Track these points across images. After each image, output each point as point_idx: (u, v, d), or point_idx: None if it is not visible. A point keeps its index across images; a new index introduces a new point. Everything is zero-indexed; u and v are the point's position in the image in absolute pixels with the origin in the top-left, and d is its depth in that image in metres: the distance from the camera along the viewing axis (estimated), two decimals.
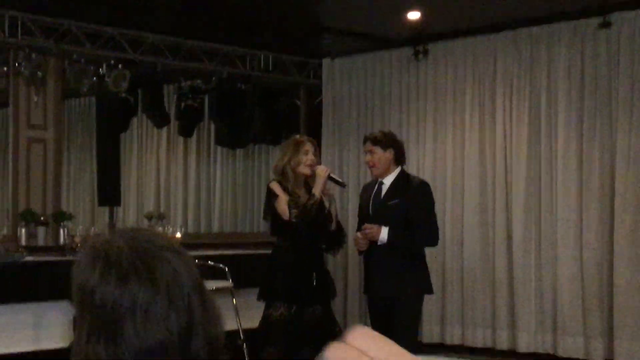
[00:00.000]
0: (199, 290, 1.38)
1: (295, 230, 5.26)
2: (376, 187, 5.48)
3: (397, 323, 5.22)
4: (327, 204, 5.40)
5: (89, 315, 1.33)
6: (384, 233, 5.27)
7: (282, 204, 5.27)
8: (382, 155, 5.38)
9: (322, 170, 5.36)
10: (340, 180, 5.70)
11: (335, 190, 8.56)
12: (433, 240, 5.49)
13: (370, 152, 5.43)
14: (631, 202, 7.75)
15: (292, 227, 5.25)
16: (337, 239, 5.54)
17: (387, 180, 5.43)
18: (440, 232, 5.76)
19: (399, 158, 5.48)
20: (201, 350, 1.33)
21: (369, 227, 5.32)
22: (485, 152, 8.79)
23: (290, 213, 5.24)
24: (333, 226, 5.45)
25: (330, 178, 5.41)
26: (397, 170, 5.46)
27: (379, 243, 5.28)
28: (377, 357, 0.57)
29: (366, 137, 5.61)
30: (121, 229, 1.42)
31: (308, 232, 5.27)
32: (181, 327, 1.32)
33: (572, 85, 8.20)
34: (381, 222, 5.31)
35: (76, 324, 1.34)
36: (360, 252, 5.55)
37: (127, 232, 1.40)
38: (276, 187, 5.33)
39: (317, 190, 5.30)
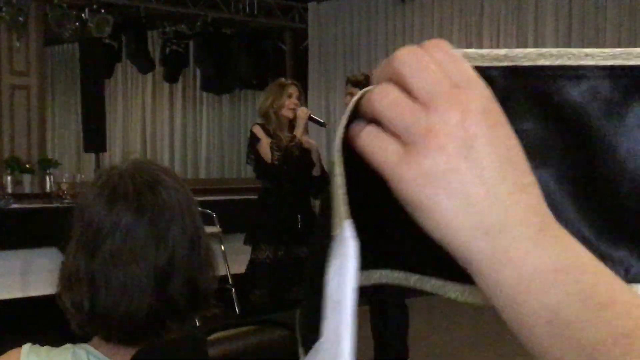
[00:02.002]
0: (191, 231, 1.37)
1: (278, 172, 5.25)
2: None
3: None
4: (313, 156, 5.39)
5: (79, 232, 1.36)
6: None
7: (264, 147, 5.25)
8: None
9: (302, 112, 5.33)
10: (320, 120, 5.66)
11: (320, 134, 8.54)
12: None
13: (350, 94, 5.40)
14: None
15: (274, 169, 5.25)
16: (322, 184, 5.54)
17: None
18: None
19: None
20: (179, 293, 1.33)
21: None
22: None
23: (272, 155, 5.23)
24: (317, 171, 5.44)
25: (310, 119, 5.39)
26: None
27: None
28: None
29: (347, 79, 5.59)
30: (133, 158, 1.44)
31: (291, 174, 5.26)
32: (159, 261, 1.32)
33: (559, 26, 8.15)
34: None
35: (70, 241, 1.37)
36: None
37: (134, 161, 1.42)
38: (258, 131, 5.31)
39: (298, 132, 5.27)
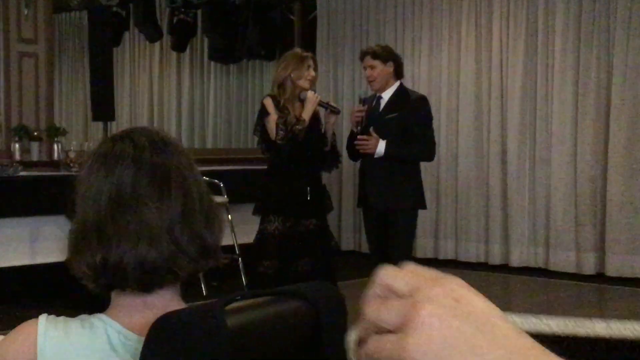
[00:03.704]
0: (194, 187, 1.40)
1: (280, 151, 5.24)
2: (375, 102, 5.43)
3: (391, 237, 5.24)
4: (328, 134, 5.37)
5: (80, 198, 1.39)
6: (381, 146, 5.24)
7: (272, 123, 5.23)
8: (383, 69, 5.31)
9: (312, 95, 5.29)
10: (333, 105, 5.53)
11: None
12: (429, 154, 5.49)
13: (371, 66, 5.34)
14: (626, 116, 7.74)
15: (276, 147, 5.24)
16: (331, 160, 5.52)
17: (386, 95, 5.38)
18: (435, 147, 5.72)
19: (399, 72, 5.41)
20: (188, 243, 1.35)
21: (368, 139, 5.28)
22: (481, 67, 8.73)
23: (277, 134, 5.20)
24: (327, 147, 5.43)
25: (320, 104, 5.33)
26: (396, 84, 5.39)
27: (375, 156, 5.26)
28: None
29: (364, 51, 5.51)
30: (132, 127, 1.48)
31: (292, 153, 5.24)
32: (164, 212, 1.34)
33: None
34: (378, 136, 5.28)
35: (74, 212, 1.39)
36: (351, 155, 5.49)
37: (133, 128, 1.44)
38: (269, 104, 5.29)
39: (306, 115, 5.24)
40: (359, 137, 5.32)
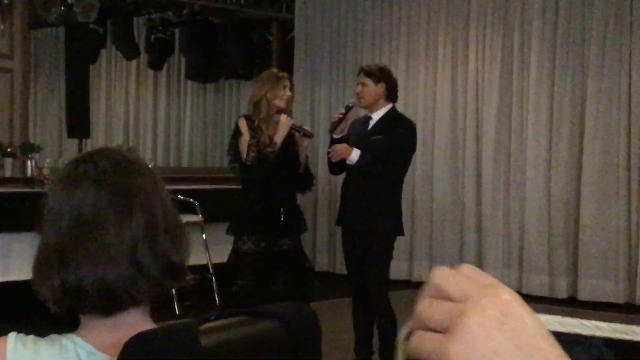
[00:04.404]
0: (158, 206, 1.39)
1: (250, 172, 5.25)
2: (364, 122, 5.43)
3: (368, 260, 5.22)
4: (302, 156, 5.37)
5: (45, 218, 1.39)
6: (355, 153, 5.19)
7: (244, 144, 5.24)
8: (373, 88, 5.29)
9: (285, 119, 5.30)
10: (305, 129, 5.53)
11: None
12: (393, 178, 5.46)
13: (362, 83, 5.34)
14: (600, 141, 7.81)
15: (246, 169, 5.24)
16: (304, 182, 5.53)
17: (376, 116, 5.36)
18: (410, 169, 5.71)
19: (391, 94, 5.40)
20: (150, 264, 1.34)
21: (339, 147, 5.22)
22: (457, 89, 8.79)
23: (247, 155, 5.21)
24: (301, 170, 5.44)
25: (293, 127, 5.33)
26: (388, 107, 5.38)
27: (348, 162, 5.22)
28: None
29: (361, 68, 5.52)
30: (99, 147, 1.47)
31: (266, 174, 5.24)
32: (125, 232, 1.34)
33: (545, 23, 8.18)
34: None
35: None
36: (331, 168, 5.44)
37: (98, 149, 1.44)
38: (242, 125, 5.30)
39: (278, 139, 5.25)
40: (328, 150, 5.30)
